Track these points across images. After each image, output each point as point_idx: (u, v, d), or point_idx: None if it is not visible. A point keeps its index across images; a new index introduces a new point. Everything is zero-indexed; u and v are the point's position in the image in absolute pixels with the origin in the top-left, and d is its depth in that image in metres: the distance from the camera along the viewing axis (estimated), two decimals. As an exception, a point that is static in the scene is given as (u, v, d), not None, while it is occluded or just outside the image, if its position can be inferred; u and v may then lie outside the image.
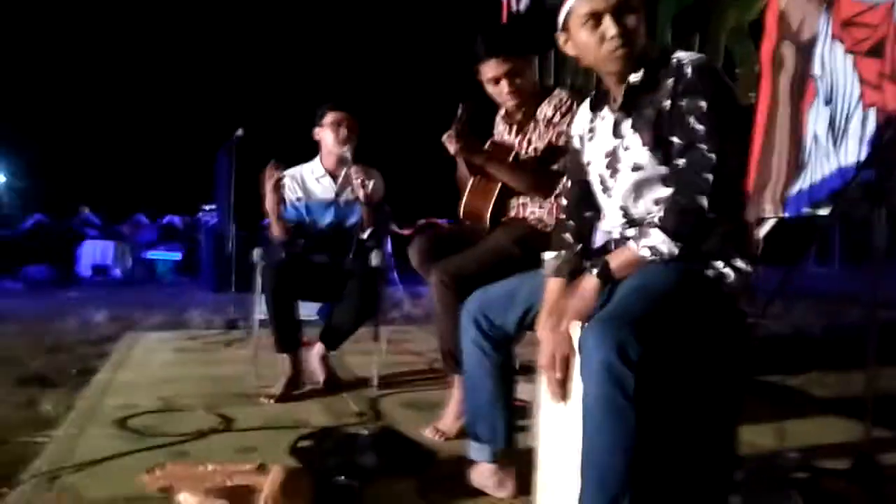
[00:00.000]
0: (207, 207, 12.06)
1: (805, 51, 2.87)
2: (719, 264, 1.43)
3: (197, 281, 8.65)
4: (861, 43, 2.60)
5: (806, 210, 2.80)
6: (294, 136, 3.79)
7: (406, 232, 7.15)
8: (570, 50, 1.57)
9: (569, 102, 2.29)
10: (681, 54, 1.46)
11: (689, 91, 1.41)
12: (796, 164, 2.85)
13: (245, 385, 2.90)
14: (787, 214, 2.86)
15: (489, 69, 2.29)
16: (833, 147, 2.72)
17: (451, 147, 2.29)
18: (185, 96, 13.77)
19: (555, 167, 2.24)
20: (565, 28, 1.55)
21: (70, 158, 13.98)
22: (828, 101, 2.76)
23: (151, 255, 9.95)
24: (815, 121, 2.80)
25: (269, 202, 2.92)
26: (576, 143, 1.71)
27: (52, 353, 3.86)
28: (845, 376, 3.06)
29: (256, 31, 13.37)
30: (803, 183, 2.82)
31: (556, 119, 2.29)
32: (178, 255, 9.91)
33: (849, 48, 2.67)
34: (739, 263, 1.43)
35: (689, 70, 1.42)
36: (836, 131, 2.72)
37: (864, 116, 2.59)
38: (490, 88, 2.34)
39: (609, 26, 1.46)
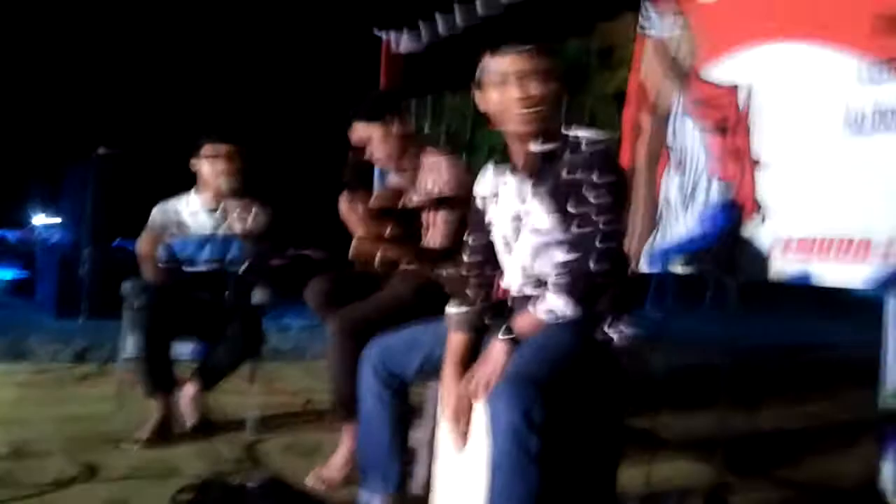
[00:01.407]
0: (42, 222, 11.09)
1: (662, 121, 3.19)
2: (609, 326, 1.58)
3: (33, 304, 7.88)
4: (708, 120, 2.95)
5: (658, 266, 3.10)
6: (168, 160, 3.67)
7: (275, 263, 6.97)
8: (482, 106, 1.69)
9: (433, 168, 2.39)
10: (581, 132, 1.61)
11: (588, 166, 1.55)
12: (651, 225, 3.15)
13: (107, 427, 2.71)
14: (643, 269, 3.16)
15: (353, 132, 2.44)
16: (682, 211, 3.05)
17: (343, 207, 2.35)
18: (30, 105, 12.67)
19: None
20: (480, 85, 1.67)
21: None
22: (678, 169, 3.08)
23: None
24: (668, 186, 3.12)
25: (145, 246, 2.82)
26: (479, 202, 1.82)
27: None
28: (692, 417, 3.34)
29: (130, 52, 12.66)
30: (656, 241, 3.13)
31: (427, 185, 2.38)
32: (10, 274, 8.99)
33: (698, 123, 3.01)
34: (625, 325, 1.60)
35: (588, 147, 1.57)
36: (685, 197, 3.05)
37: (708, 186, 2.94)
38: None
39: (515, 90, 1.60)
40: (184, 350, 2.86)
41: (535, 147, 1.64)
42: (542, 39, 1.67)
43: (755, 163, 2.69)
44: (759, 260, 2.51)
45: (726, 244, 2.69)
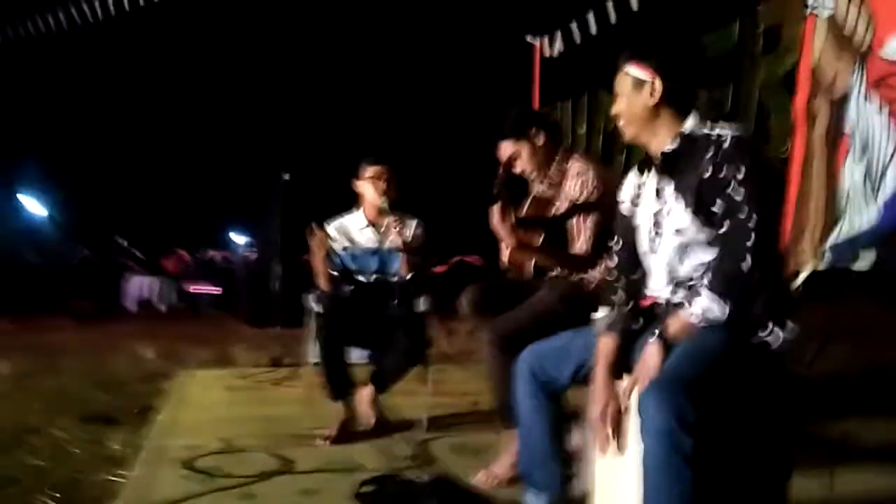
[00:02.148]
0: (237, 241, 12.41)
1: (838, 105, 2.95)
2: (766, 328, 1.54)
3: (237, 315, 8.85)
4: (894, 101, 2.68)
5: (843, 261, 2.86)
6: (336, 181, 4.02)
7: (438, 270, 7.30)
8: None
9: (578, 174, 2.45)
10: (719, 128, 1.61)
11: (728, 161, 1.55)
12: (832, 216, 2.92)
13: (299, 426, 3.03)
14: (823, 265, 2.93)
15: (500, 151, 2.55)
16: (868, 200, 2.80)
17: (495, 220, 2.42)
18: (217, 136, 14.39)
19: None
20: None
21: (106, 193, 14.63)
22: (862, 156, 2.83)
23: (193, 289, 10.23)
24: (849, 174, 2.87)
25: (316, 259, 3.12)
26: (625, 206, 1.84)
27: (110, 389, 3.99)
28: (888, 422, 3.02)
29: (303, 80, 14.06)
30: (839, 234, 2.89)
31: (572, 192, 2.44)
32: (218, 290, 10.17)
33: (882, 104, 2.75)
34: (784, 326, 1.54)
35: (727, 141, 1.57)
36: (870, 185, 2.79)
37: (898, 171, 2.67)
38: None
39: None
40: (360, 356, 3.11)
41: (667, 146, 1.67)
42: (691, 29, 1.70)
43: (951, 143, 2.41)
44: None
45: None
